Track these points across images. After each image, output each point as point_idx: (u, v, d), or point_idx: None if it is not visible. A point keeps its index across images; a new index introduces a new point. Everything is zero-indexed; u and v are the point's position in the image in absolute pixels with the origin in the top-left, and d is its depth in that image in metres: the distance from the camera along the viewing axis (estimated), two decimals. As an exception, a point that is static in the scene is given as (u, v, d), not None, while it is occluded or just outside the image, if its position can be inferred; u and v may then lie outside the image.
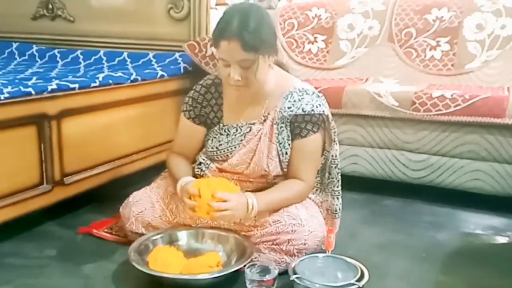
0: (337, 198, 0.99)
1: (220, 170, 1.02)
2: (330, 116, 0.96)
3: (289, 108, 0.94)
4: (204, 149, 1.04)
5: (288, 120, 0.95)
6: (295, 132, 0.95)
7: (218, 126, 0.99)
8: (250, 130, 0.97)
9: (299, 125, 0.94)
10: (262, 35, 0.86)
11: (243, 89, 0.90)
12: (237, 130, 0.98)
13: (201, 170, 1.02)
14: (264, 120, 0.96)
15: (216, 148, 0.99)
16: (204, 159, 1.02)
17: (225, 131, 0.99)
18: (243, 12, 0.86)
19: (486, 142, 1.26)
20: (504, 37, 1.53)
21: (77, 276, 0.92)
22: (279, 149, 0.95)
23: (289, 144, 0.96)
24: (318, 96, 0.96)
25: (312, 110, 0.93)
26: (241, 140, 0.97)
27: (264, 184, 1.00)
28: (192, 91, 1.02)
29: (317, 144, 0.96)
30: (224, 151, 0.99)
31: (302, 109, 0.93)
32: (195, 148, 1.02)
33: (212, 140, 1.00)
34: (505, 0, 1.56)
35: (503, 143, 1.25)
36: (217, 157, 1.00)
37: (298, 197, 0.95)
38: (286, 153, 0.96)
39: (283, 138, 0.95)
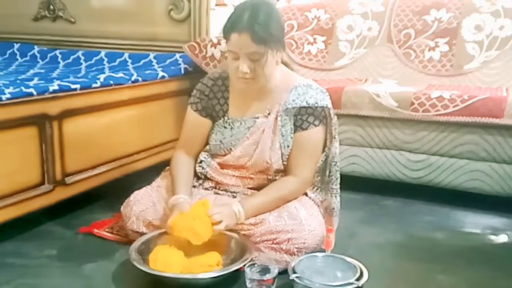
0: (335, 196, 1.00)
1: (222, 167, 1.02)
2: (332, 111, 0.97)
3: (293, 101, 0.95)
4: (206, 147, 1.04)
5: (292, 113, 0.96)
6: (297, 125, 0.96)
7: (222, 119, 1.00)
8: (254, 124, 0.98)
9: (301, 117, 0.95)
10: (272, 29, 0.88)
11: (251, 82, 0.91)
12: (241, 124, 0.99)
13: (202, 168, 1.03)
14: (269, 114, 0.97)
15: (220, 141, 1.00)
16: (205, 157, 1.03)
17: (229, 124, 1.00)
18: (254, 7, 0.88)
19: (485, 143, 1.26)
20: (503, 38, 1.54)
21: (77, 276, 0.92)
22: (281, 141, 0.96)
23: (291, 138, 0.97)
24: (322, 91, 0.98)
25: (316, 103, 0.95)
26: (245, 134, 0.98)
27: (265, 181, 1.00)
28: (200, 84, 1.03)
29: (318, 138, 0.97)
30: (227, 145, 1.00)
31: (306, 102, 0.94)
32: (201, 142, 1.02)
33: (216, 133, 1.01)
34: (503, 1, 1.56)
35: (502, 144, 1.25)
36: (220, 151, 1.00)
37: (291, 195, 0.96)
38: (288, 146, 0.96)
39: (286, 131, 0.96)
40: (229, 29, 0.88)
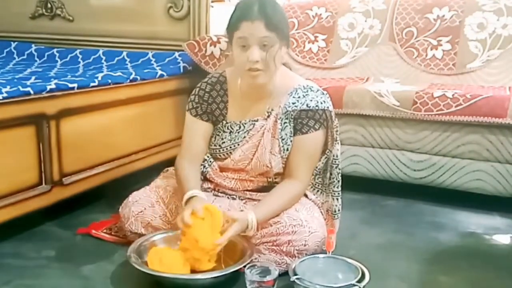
0: (337, 199, 0.99)
1: (222, 169, 1.01)
2: (333, 113, 0.96)
3: (293, 103, 0.94)
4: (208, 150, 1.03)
5: (292, 116, 0.95)
6: (297, 128, 0.95)
7: (221, 123, 0.99)
8: (254, 127, 0.97)
9: (301, 121, 0.94)
10: (282, 21, 0.89)
11: (260, 75, 0.89)
12: (240, 127, 0.98)
13: (204, 167, 1.02)
14: (268, 116, 0.96)
15: (219, 145, 0.99)
16: (208, 157, 1.02)
17: (228, 128, 0.99)
18: (261, 0, 0.88)
19: (487, 142, 1.25)
20: (506, 37, 1.53)
21: (76, 277, 0.91)
22: (281, 145, 0.95)
23: (291, 141, 0.96)
24: (323, 93, 0.96)
25: (317, 106, 0.93)
26: (244, 137, 0.97)
27: (265, 183, 1.00)
28: (197, 89, 1.01)
29: (317, 142, 0.96)
30: (227, 149, 0.99)
31: (307, 105, 0.93)
32: (204, 146, 1.01)
33: (215, 137, 1.00)
34: (506, 0, 1.56)
35: (505, 143, 1.24)
36: (220, 155, 1.00)
37: (295, 199, 0.95)
38: (287, 149, 0.95)
39: (286, 134, 0.95)
40: (239, 18, 0.87)
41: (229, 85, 0.99)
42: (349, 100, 1.36)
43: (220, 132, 0.99)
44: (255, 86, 0.92)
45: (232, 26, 0.89)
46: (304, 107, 0.93)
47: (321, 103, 0.94)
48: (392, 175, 1.37)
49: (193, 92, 1.01)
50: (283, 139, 0.95)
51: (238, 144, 0.97)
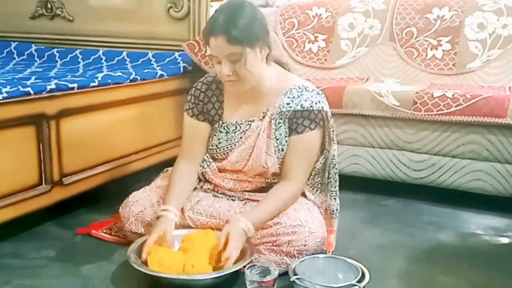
0: (335, 199, 0.99)
1: (220, 170, 1.01)
2: (329, 113, 0.96)
3: (288, 104, 0.94)
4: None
5: (287, 116, 0.95)
6: (292, 128, 0.95)
7: (218, 123, 1.00)
8: (250, 127, 0.97)
9: (296, 120, 0.94)
10: (249, 28, 0.87)
11: (238, 84, 0.91)
12: (236, 127, 0.98)
13: (203, 167, 1.02)
14: (263, 117, 0.96)
15: (216, 146, 0.99)
16: (207, 157, 1.02)
17: (224, 128, 0.99)
18: (230, 9, 0.88)
19: (487, 142, 1.26)
20: (506, 37, 1.53)
21: (76, 276, 0.92)
22: (275, 145, 0.95)
23: (286, 141, 0.96)
24: (318, 93, 0.96)
25: (311, 106, 0.93)
26: (241, 137, 0.97)
27: (263, 184, 1.00)
28: (193, 89, 1.02)
29: (313, 142, 0.96)
30: (223, 149, 0.99)
31: (301, 105, 0.93)
32: (202, 146, 1.01)
33: (212, 138, 1.00)
34: (506, 0, 1.56)
35: (505, 143, 1.24)
36: (217, 155, 1.00)
37: (292, 199, 0.95)
38: (283, 150, 0.96)
39: (280, 134, 0.95)
40: (206, 34, 0.89)
41: (225, 85, 0.99)
42: (349, 100, 1.36)
43: (216, 132, 0.99)
44: (240, 91, 0.93)
45: (204, 40, 0.90)
46: (299, 107, 0.93)
47: (316, 103, 0.93)
48: (392, 175, 1.37)
49: (189, 92, 1.02)
50: (277, 140, 0.95)
51: (235, 145, 0.97)
